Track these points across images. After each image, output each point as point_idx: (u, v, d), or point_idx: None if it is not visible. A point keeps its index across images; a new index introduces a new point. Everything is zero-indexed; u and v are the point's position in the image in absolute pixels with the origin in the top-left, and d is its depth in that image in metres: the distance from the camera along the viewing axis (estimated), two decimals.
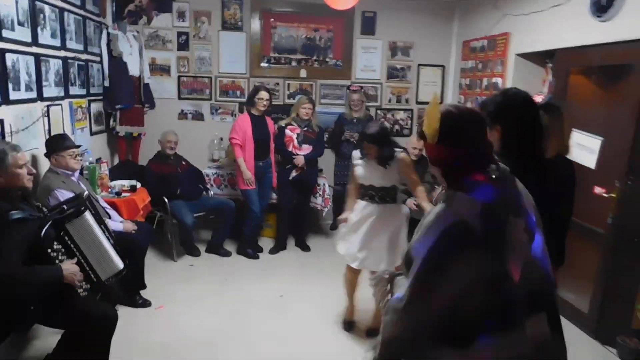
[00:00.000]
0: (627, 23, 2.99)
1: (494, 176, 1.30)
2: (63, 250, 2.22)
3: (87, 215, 2.33)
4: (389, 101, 5.63)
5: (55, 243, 2.19)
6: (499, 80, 4.50)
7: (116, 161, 5.00)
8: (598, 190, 3.25)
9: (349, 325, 3.32)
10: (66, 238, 2.23)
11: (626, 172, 3.06)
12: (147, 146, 4.90)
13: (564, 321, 3.28)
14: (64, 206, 2.28)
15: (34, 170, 2.29)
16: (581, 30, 3.37)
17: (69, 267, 2.19)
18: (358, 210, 3.13)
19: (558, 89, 3.72)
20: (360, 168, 3.12)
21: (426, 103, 5.64)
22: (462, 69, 5.26)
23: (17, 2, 2.93)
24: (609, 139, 3.10)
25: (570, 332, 3.39)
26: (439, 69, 5.60)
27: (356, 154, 3.20)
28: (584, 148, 3.32)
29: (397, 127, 5.66)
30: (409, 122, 5.69)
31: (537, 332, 1.27)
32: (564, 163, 2.21)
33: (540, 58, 4.15)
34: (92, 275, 2.33)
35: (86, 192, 2.48)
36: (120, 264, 2.49)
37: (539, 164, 1.87)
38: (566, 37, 3.56)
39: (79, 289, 2.26)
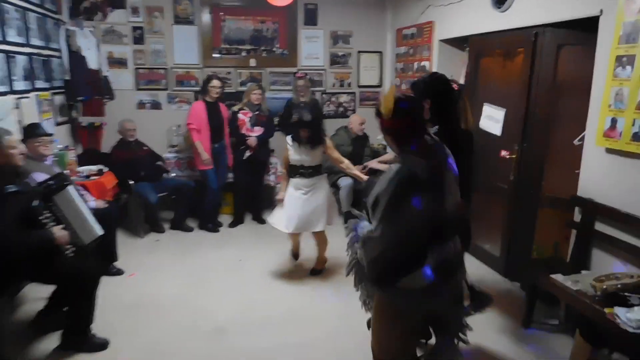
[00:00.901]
0: (518, 14, 3.63)
1: (430, 143, 1.92)
2: (52, 217, 2.63)
3: (70, 188, 2.74)
4: (333, 85, 6.16)
5: (45, 212, 2.59)
6: (426, 63, 5.11)
7: (79, 150, 5.29)
8: (503, 153, 3.89)
9: (296, 255, 4.20)
10: (54, 208, 2.63)
11: (521, 137, 3.72)
12: (109, 135, 5.22)
13: (481, 264, 3.98)
14: (50, 181, 2.68)
15: (25, 150, 2.67)
16: (486, 19, 4.00)
17: (58, 232, 2.60)
18: (291, 187, 3.77)
19: (471, 69, 4.36)
20: (293, 151, 3.71)
21: (367, 86, 6.23)
22: (397, 54, 5.86)
23: None
24: (509, 110, 3.76)
25: (486, 272, 4.08)
26: (376, 54, 6.17)
27: (289, 139, 3.77)
28: (492, 119, 3.99)
29: (341, 108, 6.21)
30: (352, 103, 6.25)
31: (457, 245, 1.98)
32: (465, 134, 2.85)
33: (459, 43, 4.78)
34: (77, 240, 2.75)
35: (67, 171, 2.87)
36: (99, 230, 2.92)
37: (456, 124, 2.55)
38: (476, 25, 4.19)
39: (67, 250, 2.67)
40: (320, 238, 3.91)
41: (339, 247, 4.48)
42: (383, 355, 2.05)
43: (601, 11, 2.85)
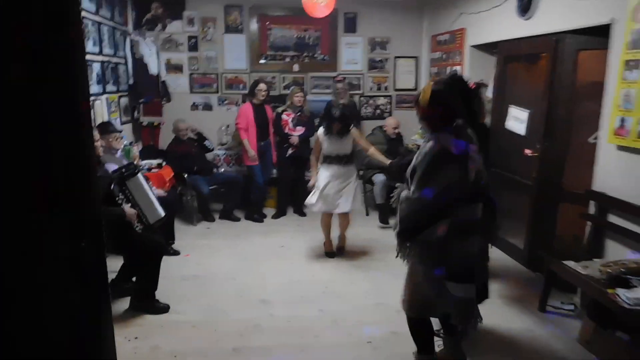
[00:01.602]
0: (541, 21, 3.89)
1: (456, 125, 2.33)
2: (124, 199, 3.16)
3: (140, 176, 3.27)
4: (371, 89, 6.53)
5: (120, 194, 3.13)
6: (458, 68, 5.40)
7: (140, 146, 5.92)
8: (527, 151, 4.14)
9: (331, 254, 4.47)
10: (126, 191, 3.16)
11: (543, 136, 3.96)
12: (165, 133, 5.83)
13: (506, 257, 4.28)
14: (124, 169, 3.22)
15: (103, 143, 3.22)
16: (512, 26, 4.27)
17: (128, 210, 3.12)
18: (325, 174, 4.26)
19: (499, 73, 4.62)
20: (326, 143, 4.23)
21: (403, 90, 6.56)
22: (431, 59, 6.16)
23: None
24: (533, 111, 4.01)
25: (511, 264, 4.33)
26: (412, 59, 6.49)
27: (321, 131, 4.28)
28: (517, 119, 4.25)
29: (378, 111, 6.57)
30: (389, 106, 6.59)
31: (479, 209, 2.36)
32: (482, 126, 3.18)
33: (488, 48, 5.04)
34: (144, 219, 3.27)
35: (141, 162, 3.41)
36: (162, 212, 3.44)
37: (475, 118, 2.87)
38: (503, 32, 4.46)
39: (135, 226, 3.19)
40: (345, 219, 4.43)
41: (365, 234, 4.94)
42: (413, 310, 2.47)
43: (612, 19, 3.09)
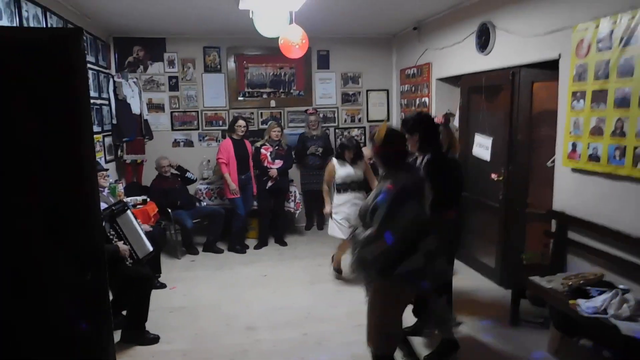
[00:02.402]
0: (498, 57, 4.26)
1: (409, 163, 2.64)
2: (115, 235, 3.29)
3: (129, 212, 3.41)
4: (345, 121, 6.85)
5: (111, 230, 3.26)
6: (426, 99, 5.75)
7: (124, 183, 6.02)
8: (493, 175, 4.43)
9: (340, 271, 4.70)
10: (117, 227, 3.30)
11: (507, 161, 4.27)
12: (148, 170, 5.96)
13: (480, 276, 4.52)
14: (114, 207, 3.36)
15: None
16: (473, 61, 4.64)
17: (121, 246, 3.25)
18: (340, 201, 4.47)
19: (463, 103, 4.97)
20: (340, 169, 4.49)
21: (376, 121, 6.89)
22: (401, 92, 6.52)
23: None
24: (496, 138, 4.33)
25: (483, 282, 4.55)
26: (383, 92, 6.86)
27: (334, 160, 4.58)
28: (482, 146, 4.57)
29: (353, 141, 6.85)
30: (363, 137, 6.90)
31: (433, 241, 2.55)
32: (452, 159, 3.46)
33: (453, 81, 5.41)
34: (134, 253, 3.40)
35: (126, 199, 3.55)
36: (150, 247, 3.57)
37: (441, 156, 3.18)
38: (465, 66, 4.83)
39: (127, 261, 3.31)
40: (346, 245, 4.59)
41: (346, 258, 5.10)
42: (384, 329, 2.61)
43: (560, 55, 3.46)
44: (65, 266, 1.76)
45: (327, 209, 4.57)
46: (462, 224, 3.75)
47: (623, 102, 2.88)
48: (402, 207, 2.39)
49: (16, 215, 1.74)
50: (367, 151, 6.06)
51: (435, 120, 3.59)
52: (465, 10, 4.66)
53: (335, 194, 4.56)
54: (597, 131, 3.12)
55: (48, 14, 3.93)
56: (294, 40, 4.20)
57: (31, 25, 3.60)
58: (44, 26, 3.85)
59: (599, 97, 3.06)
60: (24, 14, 3.48)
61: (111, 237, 3.23)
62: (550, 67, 3.70)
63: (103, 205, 3.87)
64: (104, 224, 3.20)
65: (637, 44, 2.77)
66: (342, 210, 4.48)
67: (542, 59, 3.69)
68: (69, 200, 1.78)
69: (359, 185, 4.52)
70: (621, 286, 2.97)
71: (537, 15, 3.67)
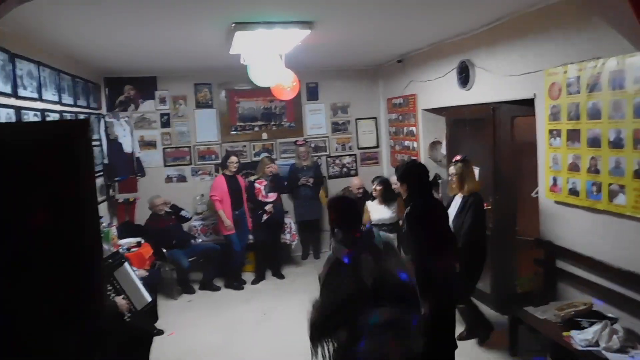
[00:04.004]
0: (479, 93, 4.41)
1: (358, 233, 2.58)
2: (113, 290, 3.34)
3: (126, 265, 3.47)
4: (336, 150, 6.96)
5: (108, 285, 3.31)
6: (413, 128, 5.88)
7: (115, 222, 6.04)
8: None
9: None
10: (114, 282, 3.35)
11: (494, 191, 4.37)
12: (141, 208, 6.00)
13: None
14: (110, 260, 3.42)
15: None
16: (455, 95, 4.78)
17: (120, 301, 3.30)
18: None
19: (450, 134, 5.09)
20: (372, 210, 4.51)
21: (367, 148, 7.00)
22: (389, 120, 6.66)
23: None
24: (482, 168, 4.45)
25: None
26: (372, 120, 7.00)
27: (369, 202, 4.63)
28: None
29: (345, 169, 6.97)
30: (354, 164, 7.01)
31: (389, 313, 2.35)
32: (477, 198, 3.53)
33: (439, 110, 5.54)
34: (132, 306, 3.45)
35: (122, 249, 3.61)
36: (148, 297, 3.61)
37: (432, 202, 3.21)
38: (448, 99, 4.97)
39: (125, 316, 3.36)
40: None
41: None
42: None
43: (535, 95, 3.60)
44: (73, 351, 1.83)
45: None
46: (473, 269, 3.73)
47: (595, 142, 3.03)
48: (333, 280, 2.41)
49: (25, 304, 1.82)
50: (355, 182, 6.17)
51: (454, 158, 3.69)
52: (445, 47, 4.82)
53: None
54: (574, 167, 3.25)
55: (41, 68, 4.03)
56: (285, 84, 4.36)
57: (25, 82, 3.70)
58: (38, 81, 3.95)
59: (573, 136, 3.20)
60: (18, 72, 3.57)
61: (109, 292, 3.28)
62: (528, 104, 3.84)
63: None
64: None
65: (601, 91, 2.92)
66: None
67: (518, 98, 3.84)
68: (76, 291, 1.86)
69: (393, 227, 4.50)
70: (610, 315, 3.07)
71: (512, 57, 3.83)
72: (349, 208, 2.65)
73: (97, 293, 1.84)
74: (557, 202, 3.50)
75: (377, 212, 4.52)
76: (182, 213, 5.79)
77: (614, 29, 2.34)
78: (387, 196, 4.51)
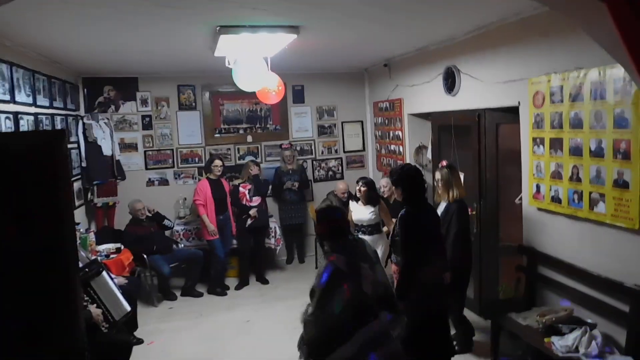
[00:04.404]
0: (464, 99, 4.40)
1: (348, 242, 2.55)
2: (89, 299, 3.24)
3: (104, 274, 3.37)
4: (322, 153, 6.92)
5: (84, 295, 3.21)
6: (399, 132, 5.86)
7: (94, 227, 5.87)
8: None
9: None
10: (91, 291, 3.25)
11: (478, 197, 4.37)
12: (121, 213, 5.84)
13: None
14: (86, 269, 3.32)
15: None
16: (442, 101, 4.76)
17: (94, 311, 3.20)
18: None
19: (435, 139, 5.08)
20: (353, 211, 4.45)
21: (354, 151, 6.97)
22: (375, 124, 6.63)
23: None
24: (467, 175, 4.44)
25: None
26: (358, 123, 6.97)
27: (352, 202, 4.55)
28: None
29: (330, 172, 6.93)
30: (340, 167, 6.97)
31: (383, 321, 2.42)
32: (461, 205, 3.52)
33: (425, 115, 5.53)
34: (110, 317, 3.35)
35: (100, 256, 3.51)
36: (127, 307, 3.52)
37: (426, 207, 3.24)
38: (434, 104, 4.95)
39: (102, 326, 3.26)
40: None
41: None
42: None
43: (519, 102, 3.59)
44: None
45: None
46: (460, 279, 3.70)
47: (576, 151, 3.05)
48: (334, 290, 2.33)
49: None
50: (340, 186, 6.11)
51: (440, 164, 3.69)
52: (431, 53, 4.81)
53: None
54: (557, 175, 3.26)
55: (14, 68, 3.90)
56: (270, 88, 4.31)
57: None
58: (11, 82, 3.82)
59: (556, 144, 3.22)
60: None
61: (85, 303, 3.19)
62: (512, 112, 3.84)
63: None
64: None
65: (583, 101, 2.94)
66: None
67: (503, 105, 3.84)
68: (51, 307, 1.80)
69: (373, 229, 4.45)
70: (589, 320, 3.09)
71: (496, 64, 3.83)
72: (337, 219, 2.62)
73: (73, 312, 1.77)
74: (540, 209, 3.51)
75: (358, 212, 4.47)
76: (165, 222, 5.67)
77: (595, 41, 2.34)
78: (370, 198, 4.45)
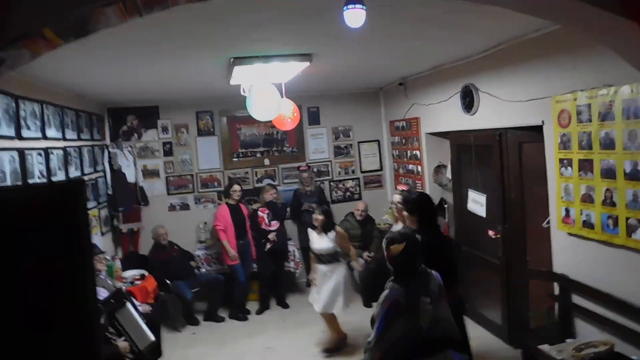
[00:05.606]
0: (484, 118, 4.34)
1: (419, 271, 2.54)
2: (115, 332, 3.25)
3: (128, 305, 3.38)
4: (339, 174, 6.90)
5: (110, 327, 3.22)
6: (417, 152, 5.81)
7: (120, 253, 5.97)
8: (490, 233, 4.44)
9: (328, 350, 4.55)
10: (116, 323, 3.27)
11: (503, 219, 4.28)
12: (145, 237, 5.93)
13: (487, 333, 4.36)
14: (111, 300, 3.33)
15: None
16: (460, 120, 4.71)
17: (122, 345, 3.21)
18: (318, 273, 4.46)
19: (454, 159, 5.02)
20: (312, 240, 4.46)
21: (370, 171, 6.93)
22: (392, 143, 6.60)
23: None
24: (489, 195, 4.36)
25: (491, 340, 4.48)
26: (375, 143, 6.94)
27: (310, 230, 4.49)
28: (477, 202, 4.59)
29: (348, 193, 6.90)
30: (357, 188, 6.94)
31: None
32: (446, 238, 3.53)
33: (443, 134, 5.47)
34: (135, 347, 3.35)
35: (124, 287, 3.53)
36: (152, 336, 3.52)
37: (438, 233, 3.33)
38: (452, 124, 4.90)
39: (127, 357, 3.26)
40: (328, 319, 4.50)
41: (358, 326, 4.98)
42: None
43: (543, 122, 3.52)
44: None
45: (310, 275, 4.69)
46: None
47: (609, 173, 2.93)
48: (392, 324, 2.37)
49: None
50: (359, 205, 6.07)
51: (399, 186, 3.74)
52: (448, 71, 4.78)
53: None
54: (587, 198, 3.15)
55: (44, 106, 4.00)
56: (286, 115, 4.33)
57: (28, 122, 3.66)
58: (42, 119, 3.91)
59: (586, 166, 3.11)
60: (22, 113, 3.53)
61: (110, 335, 3.19)
62: (536, 130, 3.76)
63: (101, 291, 3.86)
64: (102, 321, 3.18)
65: (614, 120, 2.84)
66: (318, 283, 4.47)
67: (526, 124, 3.76)
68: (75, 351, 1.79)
69: (331, 257, 4.41)
70: (634, 358, 2.89)
71: (517, 82, 3.77)
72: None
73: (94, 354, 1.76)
74: (571, 234, 3.39)
75: (318, 242, 4.45)
76: (192, 263, 5.81)
77: (626, 60, 2.29)
78: (326, 226, 4.40)
